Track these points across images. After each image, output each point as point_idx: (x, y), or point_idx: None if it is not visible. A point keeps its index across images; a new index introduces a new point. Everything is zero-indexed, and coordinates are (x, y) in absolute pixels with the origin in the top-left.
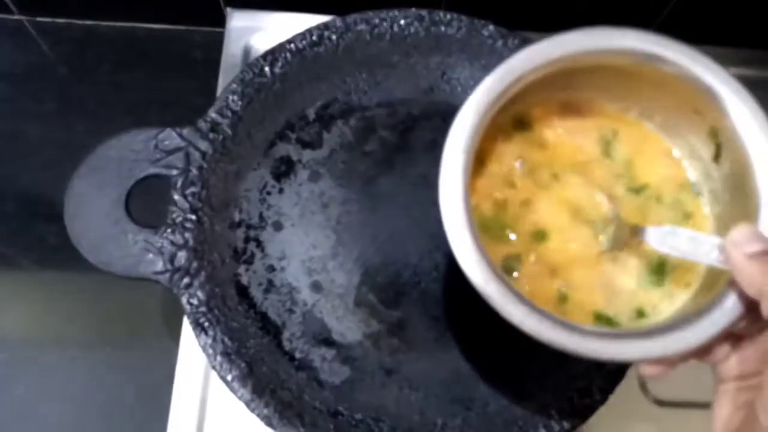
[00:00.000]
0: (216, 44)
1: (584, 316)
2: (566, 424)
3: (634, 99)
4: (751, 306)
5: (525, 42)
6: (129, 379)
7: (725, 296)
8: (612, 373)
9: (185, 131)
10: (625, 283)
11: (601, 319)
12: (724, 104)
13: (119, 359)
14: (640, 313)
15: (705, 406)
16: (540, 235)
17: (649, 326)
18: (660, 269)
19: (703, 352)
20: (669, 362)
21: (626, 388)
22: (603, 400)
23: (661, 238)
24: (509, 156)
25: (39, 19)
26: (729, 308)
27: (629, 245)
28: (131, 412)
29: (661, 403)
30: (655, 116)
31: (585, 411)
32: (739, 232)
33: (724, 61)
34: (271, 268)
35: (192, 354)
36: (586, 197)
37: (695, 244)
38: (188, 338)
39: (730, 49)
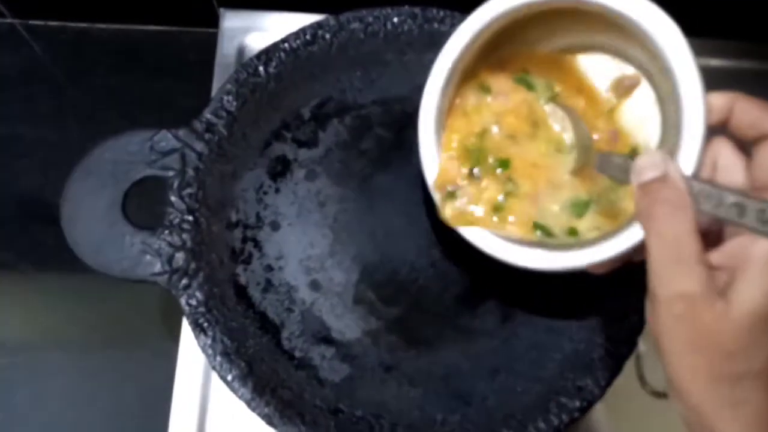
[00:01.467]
0: (210, 45)
1: (525, 225)
2: (565, 418)
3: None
4: None
5: None
6: (129, 381)
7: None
8: (610, 366)
9: (181, 132)
10: (553, 206)
11: (539, 227)
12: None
13: (119, 361)
14: (572, 232)
15: None
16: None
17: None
18: (580, 207)
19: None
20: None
21: (624, 381)
22: (601, 393)
23: (600, 164)
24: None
25: (31, 22)
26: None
27: (586, 170)
28: (132, 414)
29: (659, 395)
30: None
31: (583, 404)
32: (641, 159)
33: (710, 53)
34: (269, 268)
35: (192, 354)
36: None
37: (624, 168)
38: (188, 339)
39: (716, 41)
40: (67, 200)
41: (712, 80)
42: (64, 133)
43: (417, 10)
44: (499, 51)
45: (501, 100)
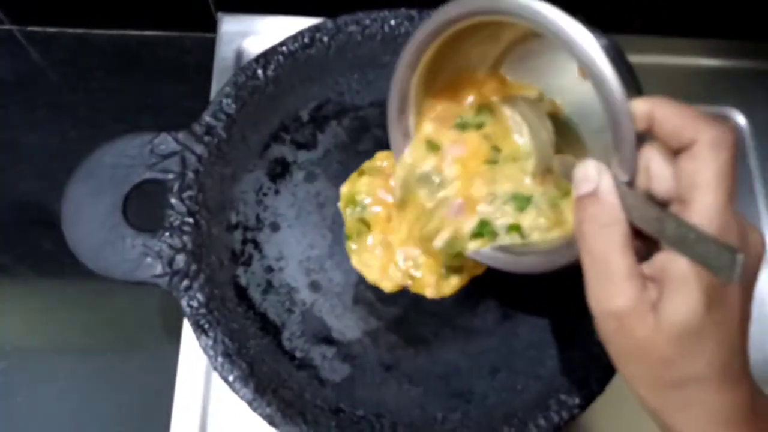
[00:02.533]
0: (207, 49)
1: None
2: (565, 415)
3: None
4: None
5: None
6: (130, 385)
7: None
8: (609, 362)
9: (180, 135)
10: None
11: (482, 224)
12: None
13: (119, 365)
14: (514, 228)
15: None
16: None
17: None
18: (522, 201)
19: None
20: None
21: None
22: (600, 390)
23: (561, 167)
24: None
25: (29, 28)
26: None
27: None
28: (133, 417)
29: None
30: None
31: (583, 401)
32: (578, 171)
33: (694, 52)
34: (270, 269)
35: (193, 356)
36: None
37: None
38: (189, 341)
39: (699, 39)
40: (67, 203)
41: (707, 80)
42: (63, 138)
43: (414, 12)
44: (439, 77)
45: (454, 152)
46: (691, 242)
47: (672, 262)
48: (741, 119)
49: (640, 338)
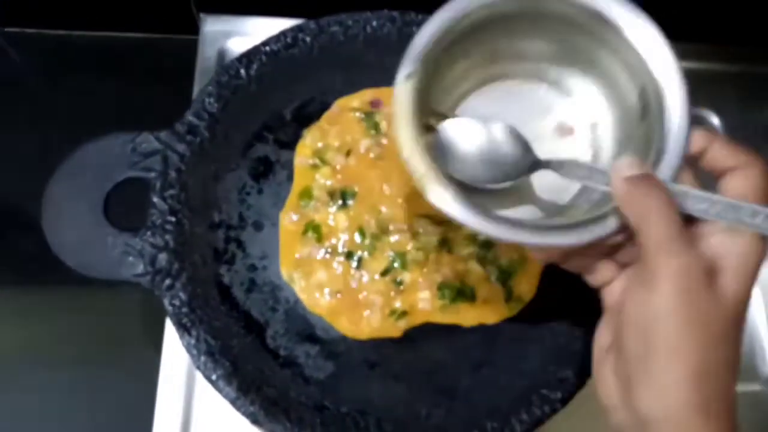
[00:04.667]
0: (190, 51)
1: None
2: (547, 409)
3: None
4: (627, 227)
5: None
6: (111, 392)
7: (608, 215)
8: (587, 360)
9: (162, 134)
10: None
11: None
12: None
13: (100, 370)
14: None
15: None
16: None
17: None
18: None
19: (587, 269)
20: (551, 253)
21: None
22: (582, 384)
23: (567, 170)
24: None
25: (8, 29)
26: (607, 224)
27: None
28: (116, 417)
29: None
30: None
31: (565, 396)
32: (623, 160)
33: (695, 56)
34: (253, 268)
35: (175, 358)
36: None
37: (591, 172)
38: (171, 342)
39: (673, 43)
40: (48, 202)
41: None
42: (43, 141)
43: (396, 14)
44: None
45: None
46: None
47: (726, 241)
48: (715, 120)
49: (703, 310)
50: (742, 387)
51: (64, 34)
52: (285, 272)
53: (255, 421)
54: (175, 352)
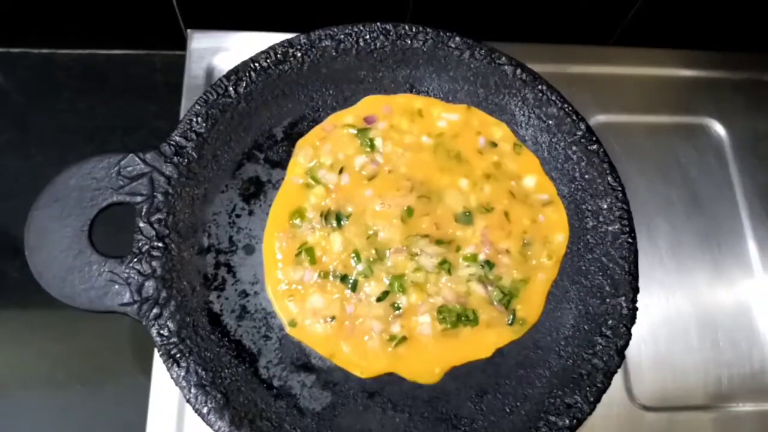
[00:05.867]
0: (177, 67)
1: None
2: None
3: None
4: None
5: (492, 52)
6: (101, 417)
7: None
8: (598, 381)
9: (149, 156)
10: None
11: None
12: None
13: (88, 397)
14: None
15: (690, 408)
16: None
17: None
18: None
19: None
20: None
21: (613, 395)
22: (590, 410)
23: None
24: None
25: None
26: None
27: None
28: None
29: (647, 408)
30: None
31: (573, 422)
32: None
33: (673, 63)
34: (244, 294)
35: (165, 388)
36: None
37: None
38: (160, 371)
39: (678, 51)
40: (30, 229)
41: (686, 90)
42: (29, 160)
43: (389, 26)
44: None
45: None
46: None
47: None
48: (720, 129)
49: None
50: (754, 407)
51: (48, 52)
52: (273, 297)
53: None
54: (164, 382)
